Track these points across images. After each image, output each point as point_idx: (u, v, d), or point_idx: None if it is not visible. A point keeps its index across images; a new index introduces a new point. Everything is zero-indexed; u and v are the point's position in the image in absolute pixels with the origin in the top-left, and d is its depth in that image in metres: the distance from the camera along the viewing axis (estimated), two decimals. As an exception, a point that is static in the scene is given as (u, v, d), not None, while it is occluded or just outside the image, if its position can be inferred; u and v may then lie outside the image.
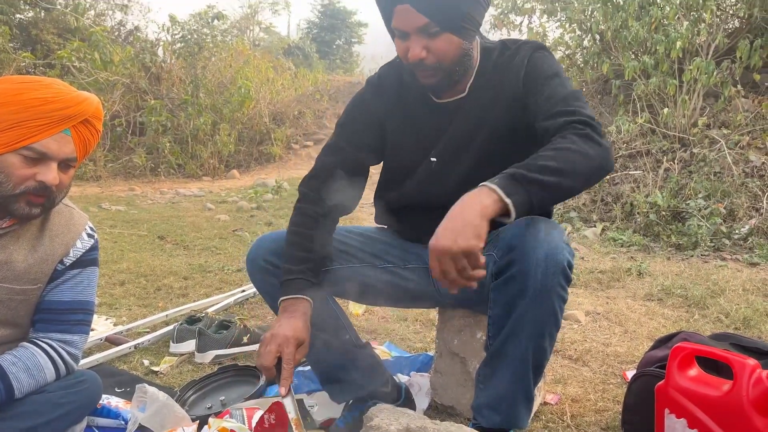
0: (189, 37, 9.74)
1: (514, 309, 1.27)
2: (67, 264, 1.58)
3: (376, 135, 1.55)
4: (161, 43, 10.04)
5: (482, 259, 1.13)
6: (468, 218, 1.13)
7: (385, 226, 1.71)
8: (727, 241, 4.20)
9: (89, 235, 1.64)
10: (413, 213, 1.56)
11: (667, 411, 1.40)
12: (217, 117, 9.38)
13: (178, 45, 9.82)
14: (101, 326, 2.43)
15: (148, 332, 2.40)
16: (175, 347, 2.22)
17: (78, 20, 10.37)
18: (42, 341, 1.53)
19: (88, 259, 1.63)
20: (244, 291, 2.87)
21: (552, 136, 1.26)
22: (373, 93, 1.57)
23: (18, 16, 12.16)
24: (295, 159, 9.64)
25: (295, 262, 1.43)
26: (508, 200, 1.14)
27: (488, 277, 1.34)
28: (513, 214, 1.15)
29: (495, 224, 1.45)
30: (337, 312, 1.63)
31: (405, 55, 1.38)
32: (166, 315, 2.55)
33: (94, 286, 1.65)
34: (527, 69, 1.41)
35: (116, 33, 12.76)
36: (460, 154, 1.47)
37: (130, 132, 9.15)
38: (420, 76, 1.40)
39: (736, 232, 4.27)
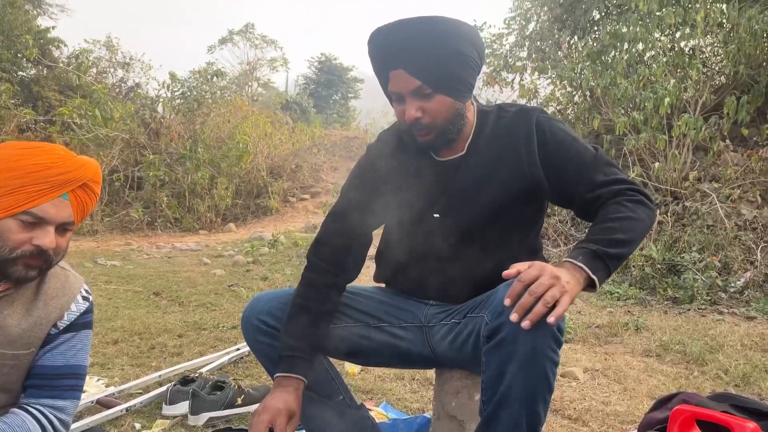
0: (188, 93, 9.94)
1: (506, 373, 1.26)
2: (61, 328, 1.57)
3: (379, 198, 1.59)
4: (161, 99, 10.23)
5: (568, 305, 1.19)
6: (574, 281, 1.23)
7: (383, 285, 1.72)
8: (723, 295, 4.20)
9: (84, 298, 1.64)
10: (416, 267, 1.58)
11: (668, 476, 1.38)
12: (214, 171, 9.48)
13: (178, 101, 10.01)
14: (93, 387, 2.39)
15: (140, 393, 2.36)
16: (167, 409, 2.19)
17: (80, 78, 10.59)
18: (32, 407, 1.51)
19: (82, 323, 1.62)
20: (239, 349, 2.84)
21: (605, 202, 1.38)
22: (374, 157, 1.63)
23: (20, 73, 12.44)
24: (291, 212, 9.69)
25: (296, 338, 1.46)
26: (594, 276, 1.25)
27: (481, 340, 1.35)
28: (598, 287, 1.28)
29: (477, 293, 1.48)
30: (331, 372, 1.62)
31: (402, 116, 1.45)
32: (159, 375, 2.51)
33: (87, 350, 1.64)
34: (540, 137, 1.47)
35: (117, 90, 13.02)
36: (463, 209, 1.51)
37: (127, 186, 9.21)
38: (417, 135, 1.46)
39: (732, 285, 4.28)
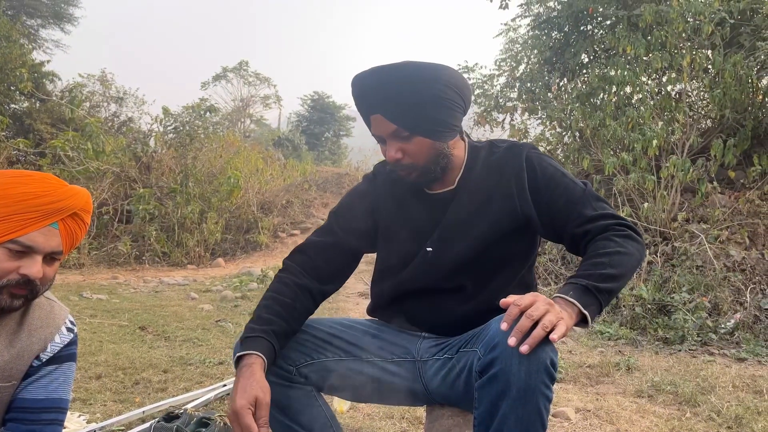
0: (181, 128, 9.99)
1: (498, 409, 1.24)
2: (44, 360, 1.53)
3: (368, 224, 1.61)
4: (153, 133, 10.26)
5: (564, 332, 1.18)
6: (567, 314, 1.23)
7: (376, 318, 1.70)
8: (713, 336, 4.19)
9: (69, 330, 1.60)
10: (409, 300, 1.57)
11: None
12: (205, 206, 9.46)
13: (170, 135, 10.04)
14: (73, 424, 2.32)
15: (123, 430, 2.29)
16: (150, 447, 2.13)
17: (73, 111, 10.63)
18: (11, 441, 1.46)
19: (65, 355, 1.58)
20: (225, 385, 2.78)
21: (594, 237, 1.39)
22: (368, 186, 1.66)
23: (13, 106, 12.47)
24: (281, 247, 9.64)
25: (261, 322, 1.42)
26: (585, 311, 1.24)
27: (473, 375, 1.33)
28: (590, 323, 1.26)
29: (472, 327, 1.47)
30: (325, 410, 1.58)
31: (385, 156, 1.51)
32: (143, 411, 2.45)
33: (70, 383, 1.59)
34: (529, 173, 1.50)
35: (110, 124, 13.07)
36: (455, 242, 1.52)
37: (116, 220, 9.16)
38: (400, 175, 1.52)
39: (722, 326, 4.27)
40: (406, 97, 1.43)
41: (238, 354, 1.38)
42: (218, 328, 4.29)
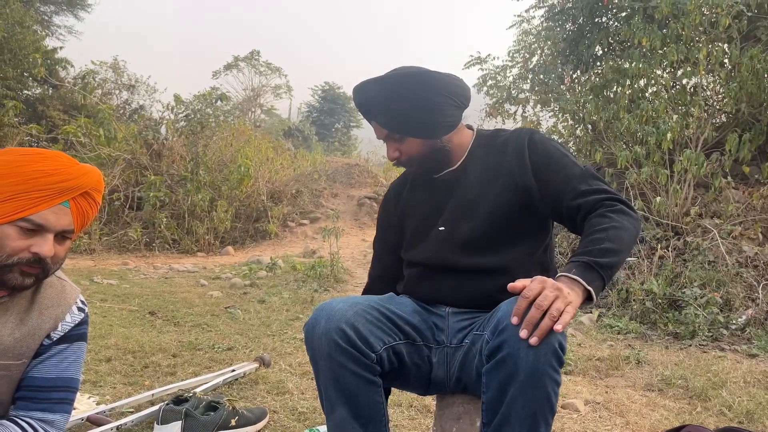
0: (192, 116, 9.99)
1: (506, 394, 1.23)
2: (54, 339, 1.54)
3: (398, 227, 1.77)
4: (165, 121, 10.28)
5: (570, 317, 1.21)
6: (575, 294, 1.25)
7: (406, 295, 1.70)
8: (724, 331, 4.15)
9: (80, 309, 1.61)
10: (428, 275, 1.64)
11: None
12: (215, 194, 9.47)
13: (181, 123, 10.05)
14: (83, 405, 2.33)
15: (132, 412, 2.30)
16: (159, 429, 2.13)
17: (85, 98, 10.66)
18: (22, 419, 1.47)
19: (75, 334, 1.58)
20: (234, 371, 2.78)
21: (587, 213, 1.43)
22: (392, 191, 1.84)
23: (26, 92, 12.53)
24: (290, 237, 9.65)
25: None
26: (590, 288, 1.27)
27: (481, 360, 1.32)
28: (595, 299, 1.28)
29: (492, 303, 1.45)
30: (383, 407, 1.50)
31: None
32: (152, 394, 2.46)
33: (81, 363, 1.60)
34: (531, 152, 1.58)
35: (121, 111, 13.11)
36: (464, 221, 1.60)
37: (127, 206, 9.19)
38: (405, 168, 1.73)
39: (734, 322, 4.23)
40: (393, 106, 1.58)
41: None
42: (227, 315, 4.31)
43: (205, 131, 10.02)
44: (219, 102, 10.59)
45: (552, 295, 1.19)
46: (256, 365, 2.87)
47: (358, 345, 1.39)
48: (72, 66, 13.05)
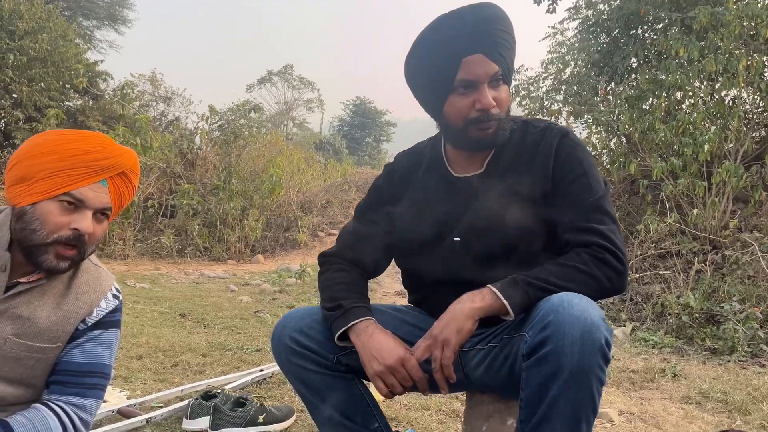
0: (226, 126, 10.15)
1: (548, 391, 1.19)
2: (89, 324, 1.55)
3: (395, 216, 1.57)
4: (199, 131, 10.46)
5: (452, 356, 1.28)
6: (456, 315, 1.29)
7: (412, 305, 1.67)
8: (765, 348, 4.01)
9: (114, 296, 1.62)
10: (441, 291, 1.51)
11: None
12: (246, 203, 9.58)
13: (215, 133, 10.22)
14: (114, 398, 2.36)
15: (161, 407, 2.32)
16: (187, 424, 2.14)
17: (124, 108, 10.92)
18: (55, 404, 1.48)
19: (110, 321, 1.60)
20: (262, 370, 2.79)
21: (570, 249, 1.34)
22: (402, 162, 1.64)
23: (67, 103, 12.90)
24: (320, 246, 9.68)
25: (345, 294, 1.46)
26: (504, 301, 1.26)
27: (520, 358, 1.29)
28: (511, 313, 1.27)
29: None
30: (367, 398, 1.54)
31: (470, 107, 1.38)
32: (181, 390, 2.47)
33: (114, 349, 1.61)
34: (556, 159, 1.41)
35: (158, 122, 13.39)
36: (484, 234, 1.44)
37: (160, 214, 9.35)
38: (477, 129, 1.39)
39: (775, 338, 4.09)
40: (504, 37, 1.36)
41: (352, 323, 1.39)
42: (256, 319, 4.33)
43: (238, 141, 10.17)
44: (252, 113, 10.75)
45: (429, 349, 1.30)
46: (284, 366, 2.86)
47: (312, 347, 1.45)
48: (112, 78, 13.41)
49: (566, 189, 1.38)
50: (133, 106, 12.14)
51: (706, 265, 5.08)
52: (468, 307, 1.27)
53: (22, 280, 1.45)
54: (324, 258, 1.60)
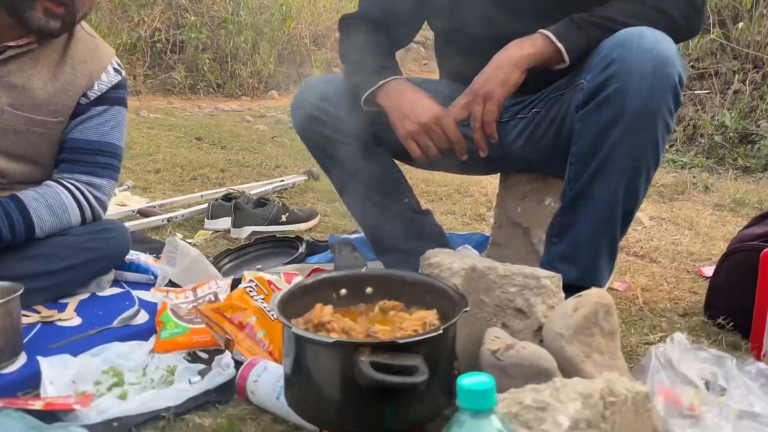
0: (231, -48, 9.41)
1: (607, 138, 1.05)
2: (92, 98, 1.44)
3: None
4: (202, -42, 9.73)
5: (495, 110, 1.15)
6: (501, 64, 1.12)
7: (446, 78, 1.51)
8: (801, 164, 3.87)
9: (116, 71, 1.49)
10: (482, 50, 1.27)
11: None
12: (257, 36, 9.15)
13: (220, -40, 9.50)
14: (134, 203, 2.31)
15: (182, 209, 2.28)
16: (209, 224, 2.10)
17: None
18: (67, 181, 1.41)
19: (114, 97, 1.48)
20: (283, 180, 2.72)
21: None
22: None
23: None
24: (335, 82, 9.40)
25: (371, 56, 1.31)
26: (559, 44, 1.09)
27: (572, 111, 1.14)
28: (567, 59, 1.10)
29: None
30: (395, 171, 1.44)
31: None
32: (201, 195, 2.43)
33: (122, 130, 1.51)
34: None
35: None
36: None
37: (169, 50, 9.00)
38: None
39: (812, 155, 3.93)
40: None
41: (369, 90, 1.26)
42: (274, 143, 4.24)
43: (244, -32, 9.47)
44: (258, -63, 9.89)
45: (475, 109, 1.15)
46: (305, 177, 2.79)
47: (337, 114, 1.33)
48: None
49: None
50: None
51: (745, 84, 4.79)
52: (516, 54, 1.10)
53: (11, 44, 1.31)
54: (346, 21, 1.41)
